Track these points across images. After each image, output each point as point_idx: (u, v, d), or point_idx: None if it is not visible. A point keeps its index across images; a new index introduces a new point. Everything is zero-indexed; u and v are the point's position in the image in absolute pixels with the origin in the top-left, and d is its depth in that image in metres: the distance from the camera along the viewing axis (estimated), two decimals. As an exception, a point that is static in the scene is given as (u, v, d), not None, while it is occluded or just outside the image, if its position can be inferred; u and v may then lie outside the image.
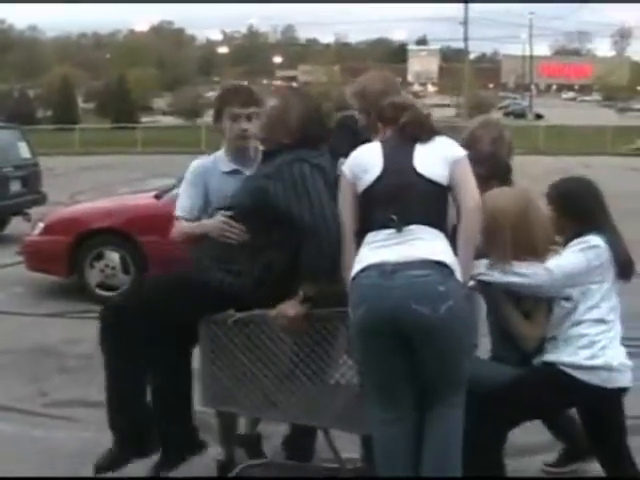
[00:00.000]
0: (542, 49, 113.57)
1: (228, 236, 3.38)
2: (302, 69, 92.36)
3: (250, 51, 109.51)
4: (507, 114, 59.02)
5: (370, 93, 3.65)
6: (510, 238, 3.26)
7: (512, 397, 3.30)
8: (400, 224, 3.03)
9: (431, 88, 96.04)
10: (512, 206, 3.31)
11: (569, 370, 3.27)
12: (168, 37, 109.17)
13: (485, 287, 3.35)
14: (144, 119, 48.68)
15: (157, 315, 3.36)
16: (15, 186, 11.61)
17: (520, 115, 59.25)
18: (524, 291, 3.31)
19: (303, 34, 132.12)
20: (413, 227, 3.04)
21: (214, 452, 4.03)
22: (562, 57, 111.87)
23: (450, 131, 3.51)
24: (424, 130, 3.22)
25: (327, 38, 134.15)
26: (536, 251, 3.32)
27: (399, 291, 2.92)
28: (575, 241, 3.36)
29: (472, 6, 60.24)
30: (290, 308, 3.24)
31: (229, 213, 3.42)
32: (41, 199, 12.07)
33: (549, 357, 3.34)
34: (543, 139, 31.58)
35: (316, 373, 3.31)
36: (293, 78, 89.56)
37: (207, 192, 3.72)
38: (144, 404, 3.52)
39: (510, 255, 3.25)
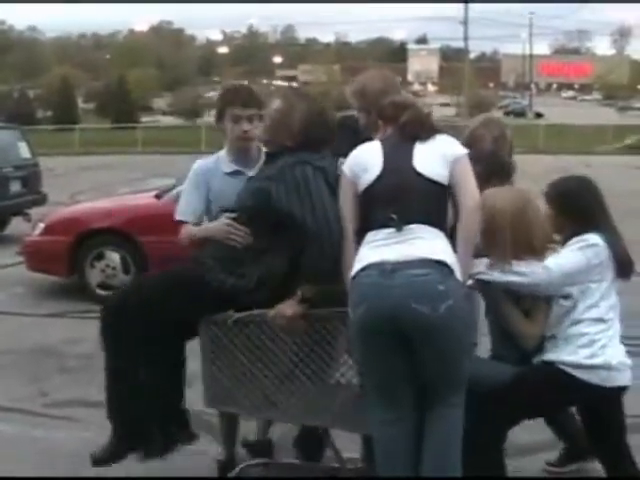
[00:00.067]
0: (542, 48, 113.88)
1: (233, 239, 3.38)
2: (302, 69, 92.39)
3: (250, 51, 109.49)
4: (507, 113, 58.94)
5: (370, 92, 3.65)
6: (510, 238, 3.26)
7: (512, 396, 3.30)
8: (400, 223, 3.04)
9: (431, 87, 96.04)
10: (511, 206, 3.31)
11: (569, 369, 3.27)
12: (168, 37, 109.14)
13: (484, 286, 3.35)
14: (144, 119, 48.63)
15: (156, 314, 3.36)
16: (15, 186, 11.62)
17: (520, 114, 59.22)
18: (523, 290, 3.31)
19: (303, 34, 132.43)
20: (413, 226, 3.04)
21: (215, 452, 4.04)
22: (562, 56, 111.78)
23: (450, 130, 3.50)
24: (424, 129, 3.22)
25: (327, 38, 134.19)
26: (535, 250, 3.32)
27: (399, 290, 2.92)
28: (574, 240, 3.36)
29: (472, 6, 60.26)
30: (288, 308, 3.24)
31: (233, 215, 3.42)
32: (41, 199, 12.08)
33: (549, 356, 3.34)
34: (543, 138, 31.57)
35: (316, 373, 3.32)
36: (293, 78, 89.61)
37: (209, 193, 3.72)
38: (144, 403, 3.51)
39: (510, 255, 3.25)
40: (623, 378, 3.32)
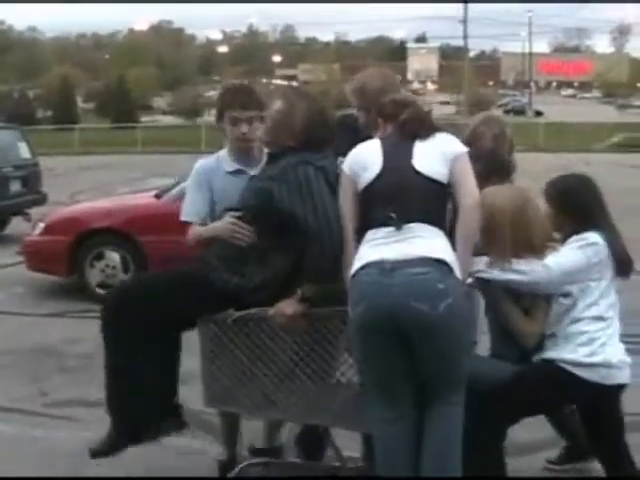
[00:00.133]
0: (541, 46, 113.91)
1: (238, 238, 3.38)
2: (302, 68, 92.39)
3: (250, 50, 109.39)
4: (507, 111, 58.88)
5: (370, 90, 3.64)
6: (509, 236, 3.26)
7: (512, 394, 3.30)
8: (399, 222, 3.04)
9: (431, 86, 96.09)
10: (510, 204, 3.31)
11: (569, 367, 3.27)
12: (168, 37, 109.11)
13: (484, 284, 3.35)
14: (144, 119, 48.64)
15: (158, 312, 3.36)
16: (15, 186, 11.62)
17: (520, 112, 59.16)
18: (523, 288, 3.31)
19: (303, 33, 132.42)
20: (412, 225, 3.04)
21: (215, 452, 4.03)
22: (561, 54, 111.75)
23: (450, 128, 3.50)
24: (424, 127, 3.22)
25: (327, 37, 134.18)
26: (534, 248, 3.31)
27: (398, 289, 2.91)
28: (574, 238, 3.36)
29: (472, 6, 60.27)
30: (288, 306, 3.24)
31: (237, 214, 3.42)
32: (41, 199, 12.08)
33: (549, 354, 3.34)
34: (543, 136, 31.54)
35: (316, 372, 3.31)
36: (293, 77, 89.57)
37: (212, 192, 3.72)
38: (143, 400, 3.51)
39: (510, 253, 3.25)
40: (623, 376, 3.32)
